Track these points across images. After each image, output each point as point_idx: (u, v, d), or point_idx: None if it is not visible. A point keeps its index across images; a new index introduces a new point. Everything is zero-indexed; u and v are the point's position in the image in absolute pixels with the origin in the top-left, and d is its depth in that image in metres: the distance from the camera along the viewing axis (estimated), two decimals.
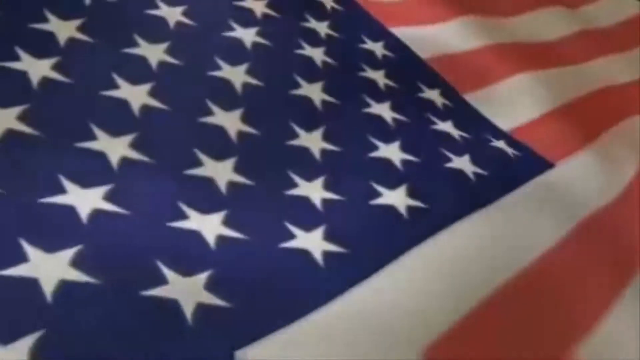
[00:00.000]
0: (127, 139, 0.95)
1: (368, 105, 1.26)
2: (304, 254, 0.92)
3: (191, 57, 1.14)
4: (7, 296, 0.72)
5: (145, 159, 0.94)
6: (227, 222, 0.91)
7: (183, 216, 0.89)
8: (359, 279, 0.93)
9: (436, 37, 1.59)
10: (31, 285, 0.73)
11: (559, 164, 1.38)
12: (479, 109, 1.43)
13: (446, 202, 1.12)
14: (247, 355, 0.77)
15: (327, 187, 1.05)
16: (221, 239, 0.89)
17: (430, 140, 1.26)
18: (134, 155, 0.93)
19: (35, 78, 0.96)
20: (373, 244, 0.99)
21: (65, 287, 0.75)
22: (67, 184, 0.85)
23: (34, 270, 0.75)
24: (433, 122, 1.31)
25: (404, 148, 1.20)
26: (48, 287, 0.74)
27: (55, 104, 0.94)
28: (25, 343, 0.69)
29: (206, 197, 0.94)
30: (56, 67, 0.99)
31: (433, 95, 1.39)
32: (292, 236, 0.94)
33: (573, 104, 1.62)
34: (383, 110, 1.27)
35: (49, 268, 0.75)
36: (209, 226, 0.89)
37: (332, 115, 1.20)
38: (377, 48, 1.44)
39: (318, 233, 0.96)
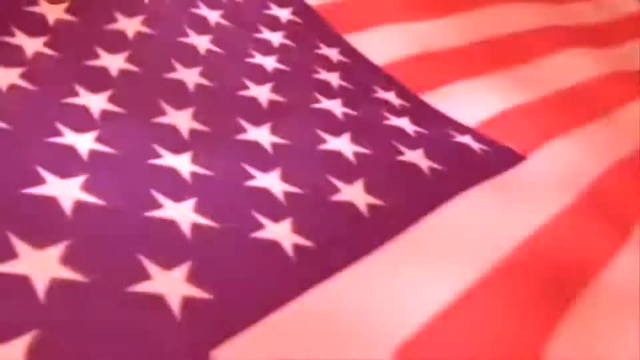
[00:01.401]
0: None
1: (318, 102, 1.28)
2: (274, 246, 0.94)
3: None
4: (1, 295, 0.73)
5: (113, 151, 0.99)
6: (198, 210, 0.94)
7: (158, 205, 0.92)
8: (326, 274, 0.93)
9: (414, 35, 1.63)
10: (24, 283, 0.75)
11: (532, 155, 1.39)
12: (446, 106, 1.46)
13: (403, 198, 1.13)
14: (220, 356, 0.78)
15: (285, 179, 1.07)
16: (196, 227, 0.91)
17: (382, 134, 1.27)
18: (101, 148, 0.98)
19: None
20: (339, 240, 1.00)
21: (56, 285, 0.77)
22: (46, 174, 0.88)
23: (25, 267, 0.76)
24: (386, 118, 1.32)
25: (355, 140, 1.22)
26: (40, 286, 0.75)
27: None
28: (22, 342, 0.70)
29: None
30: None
31: (388, 96, 1.42)
32: (260, 226, 0.96)
33: (550, 98, 1.67)
34: (334, 106, 1.28)
35: (39, 265, 0.77)
36: (183, 215, 0.92)
37: (281, 112, 1.22)
38: (332, 54, 1.46)
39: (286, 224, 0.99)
